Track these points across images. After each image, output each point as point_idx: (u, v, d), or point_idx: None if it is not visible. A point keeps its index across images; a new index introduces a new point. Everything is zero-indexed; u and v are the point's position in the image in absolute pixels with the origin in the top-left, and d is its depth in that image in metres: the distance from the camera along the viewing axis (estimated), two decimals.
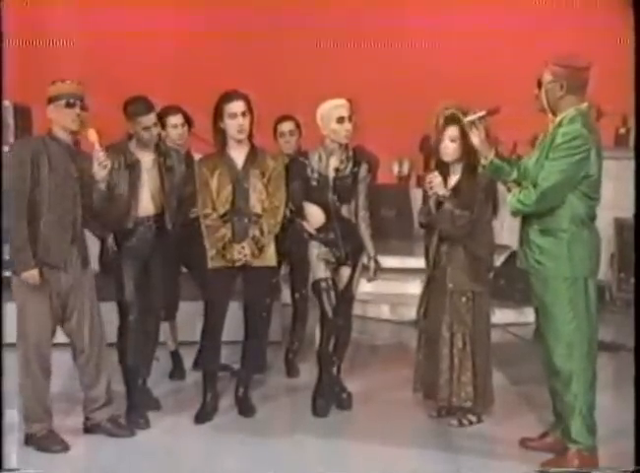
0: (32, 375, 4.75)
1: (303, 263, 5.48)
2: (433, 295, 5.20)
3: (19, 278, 4.68)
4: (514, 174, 4.54)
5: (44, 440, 4.79)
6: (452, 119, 5.02)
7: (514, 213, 4.53)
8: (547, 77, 4.42)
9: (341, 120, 5.17)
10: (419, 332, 5.36)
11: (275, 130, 6.21)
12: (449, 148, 5.05)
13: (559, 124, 4.39)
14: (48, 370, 4.81)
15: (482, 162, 4.58)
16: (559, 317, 4.44)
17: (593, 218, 4.50)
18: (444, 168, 5.10)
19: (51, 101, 4.74)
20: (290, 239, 5.46)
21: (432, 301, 5.21)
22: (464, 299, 5.10)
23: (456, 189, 5.06)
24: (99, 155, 4.73)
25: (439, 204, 5.07)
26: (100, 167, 4.74)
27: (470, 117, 4.57)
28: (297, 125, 6.19)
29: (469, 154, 4.98)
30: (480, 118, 4.51)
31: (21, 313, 4.76)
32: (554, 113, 4.45)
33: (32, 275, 4.65)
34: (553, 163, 4.34)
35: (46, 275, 4.70)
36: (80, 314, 4.84)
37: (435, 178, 5.05)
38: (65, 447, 4.80)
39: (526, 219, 4.56)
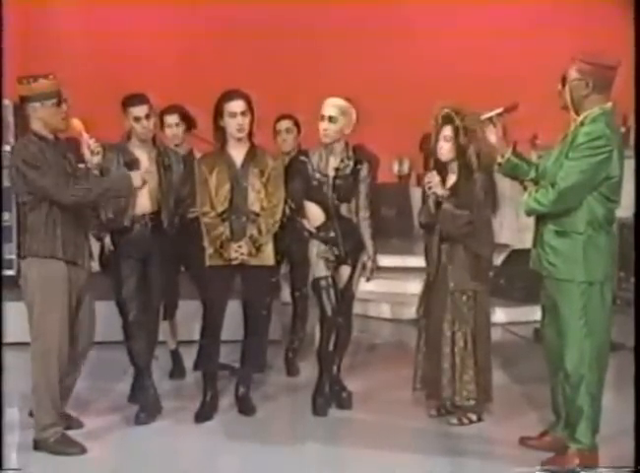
0: (49, 376, 4.63)
1: (303, 262, 5.46)
2: (433, 293, 5.20)
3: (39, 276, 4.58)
4: (532, 173, 4.45)
5: (59, 445, 4.67)
6: (447, 119, 5.02)
7: (529, 212, 4.41)
8: (573, 74, 4.27)
9: (322, 118, 5.16)
10: (419, 331, 5.35)
11: (274, 128, 6.23)
12: (444, 148, 5.05)
13: (581, 123, 4.27)
14: (64, 369, 4.71)
15: (499, 159, 4.51)
16: (572, 324, 4.35)
17: (611, 221, 4.37)
18: (442, 168, 5.10)
19: (32, 99, 4.55)
20: (290, 238, 5.46)
21: (433, 299, 5.21)
22: (465, 297, 5.10)
23: (454, 189, 5.06)
24: (89, 142, 4.72)
25: (438, 204, 5.06)
26: (93, 153, 4.72)
27: (487, 114, 4.50)
28: (296, 123, 6.21)
29: (462, 153, 4.99)
30: (498, 115, 4.45)
31: (39, 311, 4.62)
32: (577, 112, 4.31)
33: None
34: (573, 163, 4.22)
35: (68, 273, 4.64)
36: (86, 311, 4.81)
37: (434, 178, 5.04)
38: (82, 450, 4.69)
39: (541, 219, 4.44)
